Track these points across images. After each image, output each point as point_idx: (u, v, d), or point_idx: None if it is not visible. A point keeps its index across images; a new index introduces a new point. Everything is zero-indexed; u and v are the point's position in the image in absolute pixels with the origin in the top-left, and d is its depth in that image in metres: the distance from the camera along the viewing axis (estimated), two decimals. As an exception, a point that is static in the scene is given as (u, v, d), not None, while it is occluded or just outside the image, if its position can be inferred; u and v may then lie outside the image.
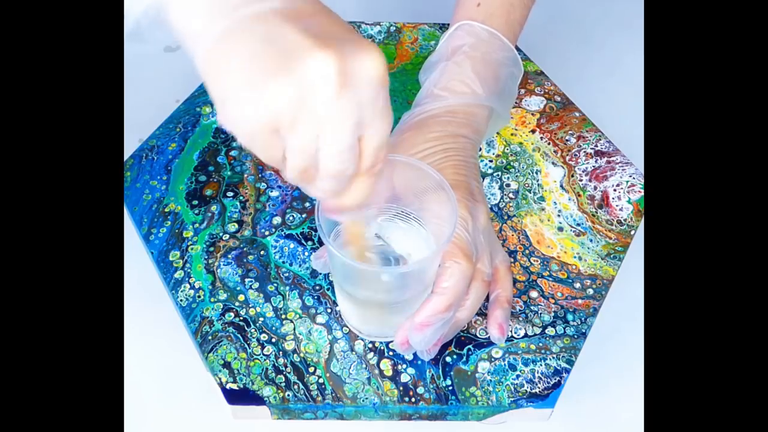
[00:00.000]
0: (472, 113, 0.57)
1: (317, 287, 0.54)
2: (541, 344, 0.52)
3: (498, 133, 0.63)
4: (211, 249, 0.56)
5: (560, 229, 0.58)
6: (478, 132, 0.57)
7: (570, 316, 0.53)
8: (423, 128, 0.55)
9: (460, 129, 0.56)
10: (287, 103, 0.34)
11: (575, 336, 0.52)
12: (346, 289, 0.50)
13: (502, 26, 0.60)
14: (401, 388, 0.50)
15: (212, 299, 0.54)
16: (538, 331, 0.53)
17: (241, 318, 0.53)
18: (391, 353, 0.51)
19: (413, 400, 0.50)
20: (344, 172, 0.37)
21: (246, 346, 0.51)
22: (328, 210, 0.41)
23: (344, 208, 0.40)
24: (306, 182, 0.38)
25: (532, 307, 0.54)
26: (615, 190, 0.60)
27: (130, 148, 0.63)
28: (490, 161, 0.62)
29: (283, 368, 0.51)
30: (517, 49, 0.69)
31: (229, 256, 0.56)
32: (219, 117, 0.36)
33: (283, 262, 0.55)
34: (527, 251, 0.57)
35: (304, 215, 0.58)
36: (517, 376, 0.51)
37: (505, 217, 0.58)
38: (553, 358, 0.51)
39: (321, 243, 0.56)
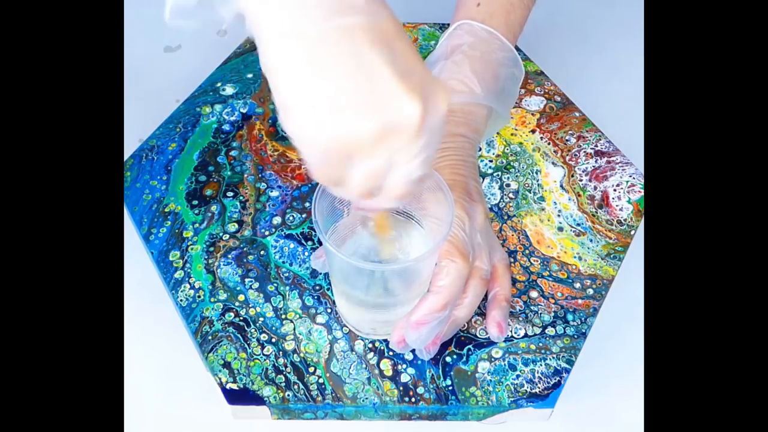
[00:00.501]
0: (471, 112, 0.57)
1: (317, 287, 0.54)
2: (541, 344, 0.52)
3: (498, 132, 0.63)
4: (211, 249, 0.56)
5: (560, 229, 0.58)
6: (476, 131, 0.57)
7: (570, 316, 0.53)
8: None
9: (458, 128, 0.56)
10: (371, 135, 0.35)
11: (575, 336, 0.52)
12: (343, 287, 0.50)
13: (501, 26, 0.60)
14: (401, 388, 0.50)
15: (212, 299, 0.54)
16: (538, 331, 0.53)
17: (241, 318, 0.53)
18: (391, 353, 0.51)
19: (413, 400, 0.50)
20: (407, 197, 0.39)
21: (246, 346, 0.51)
22: (362, 207, 0.42)
23: (378, 207, 0.41)
24: (366, 199, 0.40)
25: (532, 307, 0.54)
26: (615, 190, 0.60)
27: (130, 148, 0.63)
28: (490, 161, 0.62)
29: (283, 368, 0.51)
30: (518, 49, 0.69)
31: (229, 256, 0.56)
32: (287, 124, 0.36)
33: (283, 262, 0.55)
34: (527, 251, 0.57)
35: (304, 215, 0.58)
36: (517, 376, 0.51)
37: (505, 217, 0.58)
38: (553, 358, 0.51)
39: (321, 243, 0.56)
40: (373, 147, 0.35)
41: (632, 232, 0.58)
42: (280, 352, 0.51)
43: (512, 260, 0.56)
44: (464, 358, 0.51)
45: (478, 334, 0.52)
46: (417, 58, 0.36)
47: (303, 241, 0.57)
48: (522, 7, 0.61)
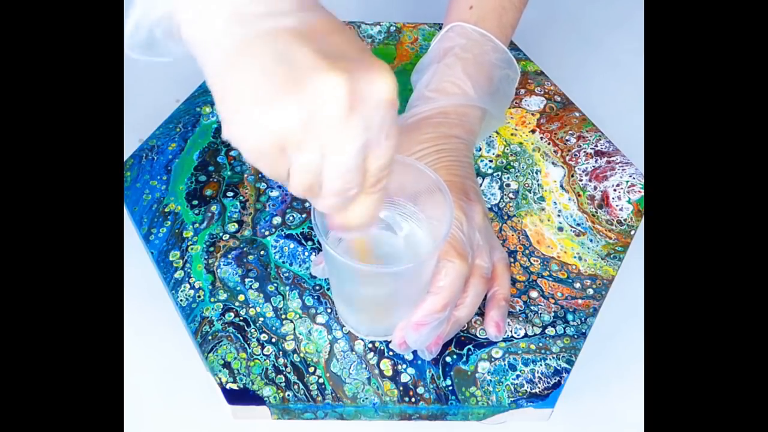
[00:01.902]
0: (464, 113, 0.57)
1: (317, 287, 0.54)
2: (541, 344, 0.52)
3: (498, 133, 0.63)
4: (211, 249, 0.56)
5: (560, 229, 0.58)
6: (471, 132, 0.57)
7: (570, 316, 0.53)
8: (415, 131, 0.56)
9: (453, 130, 0.56)
10: (295, 122, 0.34)
11: (575, 336, 0.52)
12: (343, 289, 0.50)
13: (494, 28, 0.60)
14: (401, 388, 0.50)
15: (212, 299, 0.54)
16: (538, 331, 0.53)
17: (241, 318, 0.53)
18: (391, 353, 0.51)
19: (413, 400, 0.50)
20: (348, 191, 0.37)
21: (246, 346, 0.51)
22: (334, 228, 0.41)
23: (350, 226, 0.40)
24: (310, 197, 0.38)
25: (532, 307, 0.54)
26: (615, 190, 0.60)
27: (130, 148, 0.63)
28: (490, 161, 0.62)
29: (283, 368, 0.51)
30: (517, 49, 0.69)
31: (229, 256, 0.56)
32: (224, 133, 0.36)
33: (283, 262, 0.55)
34: (527, 251, 0.57)
35: (304, 215, 0.58)
36: (517, 376, 0.51)
37: (505, 217, 0.58)
38: (553, 358, 0.51)
39: (320, 244, 0.56)
40: (301, 135, 0.34)
41: (632, 232, 0.58)
42: (280, 352, 0.51)
43: (512, 260, 0.56)
44: (464, 358, 0.51)
45: (478, 334, 0.52)
46: (354, 48, 0.35)
47: (303, 241, 0.57)
48: (514, 9, 0.61)
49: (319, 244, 0.56)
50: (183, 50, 0.36)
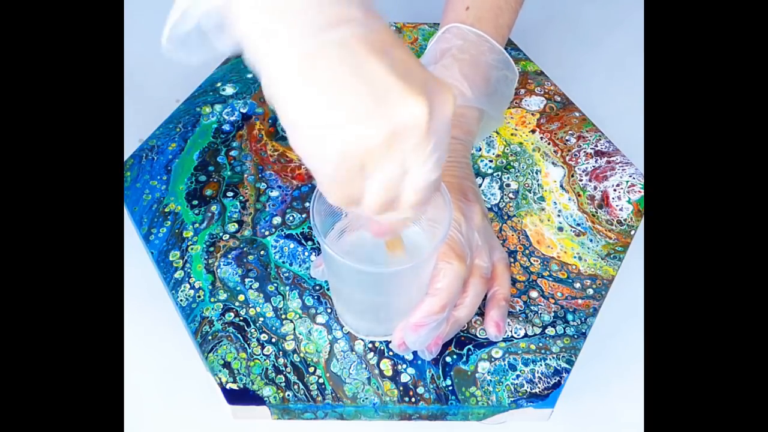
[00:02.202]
0: (462, 114, 0.57)
1: (317, 287, 0.54)
2: (541, 344, 0.52)
3: (498, 133, 0.63)
4: (211, 249, 0.56)
5: (560, 229, 0.58)
6: (469, 133, 0.58)
7: (570, 316, 0.53)
8: None
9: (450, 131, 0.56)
10: (379, 142, 0.34)
11: (575, 336, 0.52)
12: (342, 290, 0.50)
13: (491, 29, 0.60)
14: (401, 388, 0.50)
15: (212, 299, 0.54)
16: (538, 331, 0.53)
17: (241, 318, 0.53)
18: (390, 353, 0.51)
19: (413, 400, 0.50)
20: (426, 203, 0.38)
21: (246, 346, 0.51)
22: (380, 233, 0.41)
23: (394, 229, 0.41)
24: (386, 213, 0.39)
25: (532, 307, 0.54)
26: (615, 190, 0.60)
27: (130, 148, 0.63)
28: (490, 161, 0.62)
29: (283, 368, 0.51)
30: (517, 49, 0.69)
31: (229, 256, 0.56)
32: (297, 147, 0.35)
33: (283, 262, 0.55)
34: (527, 251, 0.57)
35: (304, 215, 0.58)
36: (517, 376, 0.51)
37: (505, 217, 0.58)
38: (553, 358, 0.51)
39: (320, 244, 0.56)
40: (384, 153, 0.35)
41: (632, 232, 0.58)
42: (280, 352, 0.51)
43: (512, 260, 0.56)
44: (464, 358, 0.51)
45: (478, 334, 0.52)
46: (417, 63, 0.36)
47: (303, 241, 0.57)
48: (510, 10, 0.61)
49: (319, 245, 0.56)
50: (229, 48, 0.35)
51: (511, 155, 0.62)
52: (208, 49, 0.36)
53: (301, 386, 0.50)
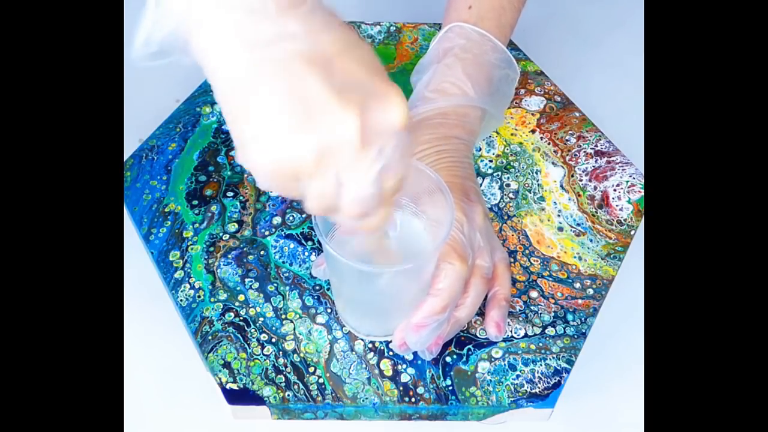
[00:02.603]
0: (464, 114, 0.57)
1: (317, 287, 0.54)
2: (541, 344, 0.52)
3: (498, 133, 0.63)
4: (211, 249, 0.56)
5: (560, 229, 0.58)
6: (471, 133, 0.58)
7: (570, 316, 0.53)
8: (415, 132, 0.56)
9: (453, 130, 0.56)
10: (309, 156, 0.35)
11: (575, 336, 0.52)
12: (344, 290, 0.50)
13: (493, 28, 0.60)
14: (401, 388, 0.50)
15: (212, 299, 0.54)
16: (538, 331, 0.53)
17: (241, 318, 0.53)
18: (390, 353, 0.51)
19: (413, 400, 0.50)
20: (365, 213, 0.38)
21: (246, 346, 0.51)
22: (346, 234, 0.42)
23: (363, 232, 0.41)
24: (327, 215, 0.39)
25: (532, 307, 0.54)
26: (615, 190, 0.60)
27: (130, 148, 0.63)
28: (490, 161, 0.62)
29: (283, 368, 0.51)
30: (517, 49, 0.69)
31: (229, 256, 0.56)
32: (239, 157, 0.37)
33: (283, 262, 0.55)
34: (527, 251, 0.57)
35: (304, 215, 0.58)
36: (517, 376, 0.51)
37: (505, 217, 0.58)
38: (553, 358, 0.51)
39: (321, 244, 0.56)
40: (315, 167, 0.35)
41: (632, 232, 0.58)
42: (280, 352, 0.51)
43: (512, 260, 0.56)
44: (464, 358, 0.51)
45: (478, 334, 0.52)
46: (365, 73, 0.36)
47: (303, 241, 0.57)
48: (513, 9, 0.61)
49: (320, 244, 0.56)
50: (191, 61, 0.36)
51: (511, 155, 0.62)
52: (174, 61, 0.37)
53: (301, 386, 0.50)
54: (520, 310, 0.54)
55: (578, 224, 0.58)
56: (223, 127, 0.63)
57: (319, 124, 0.34)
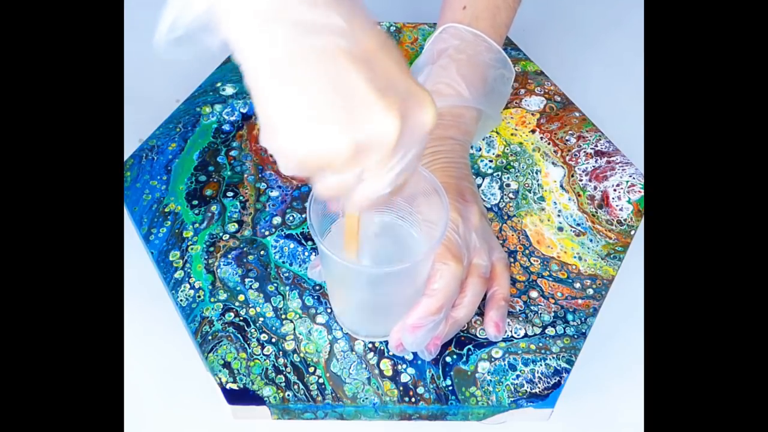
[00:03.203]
0: (460, 115, 0.57)
1: (317, 287, 0.54)
2: (541, 344, 0.52)
3: (498, 133, 0.63)
4: (211, 249, 0.56)
5: (560, 229, 0.58)
6: (466, 133, 0.58)
7: (570, 316, 0.53)
8: None
9: (448, 131, 0.56)
10: (345, 151, 0.35)
11: (575, 336, 0.52)
12: (340, 291, 0.50)
13: (488, 29, 0.60)
14: (401, 388, 0.50)
15: (212, 299, 0.54)
16: (538, 331, 0.53)
17: (241, 318, 0.53)
18: (391, 353, 0.51)
19: (413, 400, 0.50)
20: (377, 203, 0.39)
21: (246, 346, 0.51)
22: (322, 198, 0.42)
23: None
24: (330, 199, 0.40)
25: (532, 307, 0.54)
26: (615, 190, 0.60)
27: (130, 148, 0.63)
28: (490, 161, 0.62)
29: (283, 368, 0.51)
30: (517, 49, 0.69)
31: (229, 256, 0.56)
32: (263, 139, 0.36)
33: (283, 262, 0.55)
34: (527, 251, 0.57)
35: (304, 215, 0.58)
36: (517, 376, 0.51)
37: (505, 217, 0.58)
38: (553, 358, 0.51)
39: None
40: (347, 163, 0.35)
41: (632, 232, 0.58)
42: (280, 352, 0.51)
43: (512, 260, 0.56)
44: (464, 358, 0.51)
45: (477, 334, 0.52)
46: (400, 72, 0.36)
47: (303, 241, 0.57)
48: (508, 8, 0.61)
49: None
50: (218, 46, 0.36)
51: (511, 155, 0.62)
52: (199, 47, 0.37)
53: (301, 386, 0.50)
54: (520, 310, 0.54)
55: (578, 224, 0.58)
56: (223, 127, 0.63)
57: (361, 122, 0.34)
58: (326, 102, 0.34)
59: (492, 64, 0.59)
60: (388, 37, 0.37)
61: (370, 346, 0.52)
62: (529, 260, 0.56)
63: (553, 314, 0.53)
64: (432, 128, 0.37)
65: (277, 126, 0.36)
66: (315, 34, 0.34)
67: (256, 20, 0.34)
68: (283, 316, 0.53)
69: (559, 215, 0.58)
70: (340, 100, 0.34)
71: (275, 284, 0.54)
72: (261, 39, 0.34)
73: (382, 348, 0.52)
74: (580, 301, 0.54)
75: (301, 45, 0.34)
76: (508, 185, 0.60)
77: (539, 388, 0.50)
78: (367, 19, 0.36)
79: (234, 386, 0.50)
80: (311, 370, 0.51)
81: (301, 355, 0.51)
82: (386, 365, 0.51)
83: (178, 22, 0.35)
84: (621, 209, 0.59)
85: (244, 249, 0.56)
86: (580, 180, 0.60)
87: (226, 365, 0.51)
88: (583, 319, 0.53)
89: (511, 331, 0.52)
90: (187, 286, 0.54)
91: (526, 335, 0.52)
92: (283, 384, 0.50)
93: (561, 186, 0.60)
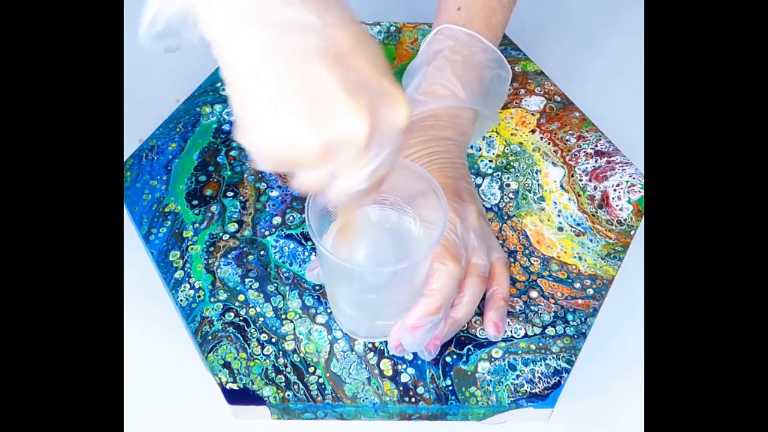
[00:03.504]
0: (456, 115, 0.57)
1: (317, 287, 0.54)
2: (541, 344, 0.52)
3: (498, 133, 0.63)
4: (211, 249, 0.56)
5: (560, 229, 0.58)
6: (463, 134, 0.58)
7: (570, 316, 0.53)
8: (406, 134, 0.55)
9: (444, 132, 0.56)
10: (314, 149, 0.35)
11: (575, 336, 0.52)
12: (338, 292, 0.50)
13: (483, 29, 0.60)
14: (401, 388, 0.50)
15: (212, 299, 0.54)
16: (538, 331, 0.53)
17: (241, 318, 0.53)
18: (391, 353, 0.51)
19: (413, 400, 0.50)
20: (356, 198, 0.39)
21: (246, 346, 0.51)
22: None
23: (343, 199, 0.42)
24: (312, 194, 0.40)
25: (532, 307, 0.54)
26: (615, 190, 0.60)
27: (130, 148, 0.63)
28: (490, 161, 0.62)
29: (283, 368, 0.51)
30: (517, 49, 0.69)
31: (229, 256, 0.56)
32: (237, 135, 0.37)
33: (283, 262, 0.55)
34: (527, 251, 0.57)
35: (303, 215, 0.58)
36: (517, 376, 0.51)
37: (505, 217, 0.58)
38: (553, 358, 0.51)
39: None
40: (318, 161, 0.36)
41: (632, 232, 0.58)
42: (280, 352, 0.51)
43: (512, 260, 0.56)
44: (464, 358, 0.51)
45: (477, 334, 0.52)
46: (374, 71, 0.36)
47: (303, 241, 0.57)
48: (503, 9, 0.61)
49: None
50: (198, 40, 0.37)
51: (511, 155, 0.62)
52: (181, 40, 0.37)
53: (301, 386, 0.50)
54: (520, 310, 0.54)
55: (578, 224, 0.58)
56: (223, 127, 0.63)
57: (330, 121, 0.35)
58: (297, 101, 0.35)
59: (488, 65, 0.59)
60: (365, 33, 0.37)
61: (370, 346, 0.52)
62: (529, 260, 0.56)
63: (553, 314, 0.53)
64: (405, 126, 0.37)
65: (249, 122, 0.36)
66: (289, 32, 0.34)
67: (232, 17, 0.34)
68: (283, 316, 0.53)
69: (559, 215, 0.58)
70: (310, 99, 0.34)
71: (275, 284, 0.54)
72: (235, 36, 0.35)
73: (382, 348, 0.52)
74: (580, 301, 0.54)
75: (274, 43, 0.34)
76: (508, 185, 0.60)
77: (539, 388, 0.50)
78: (344, 15, 0.36)
79: (234, 386, 0.50)
80: (311, 370, 0.51)
81: (301, 355, 0.51)
82: (386, 365, 0.51)
83: (158, 17, 0.36)
84: (621, 209, 0.59)
85: (244, 249, 0.56)
86: (580, 180, 0.60)
87: (226, 365, 0.51)
88: (583, 319, 0.53)
89: (511, 331, 0.52)
90: (187, 286, 0.54)
91: (526, 335, 0.52)
92: (283, 384, 0.50)
93: (561, 186, 0.60)
